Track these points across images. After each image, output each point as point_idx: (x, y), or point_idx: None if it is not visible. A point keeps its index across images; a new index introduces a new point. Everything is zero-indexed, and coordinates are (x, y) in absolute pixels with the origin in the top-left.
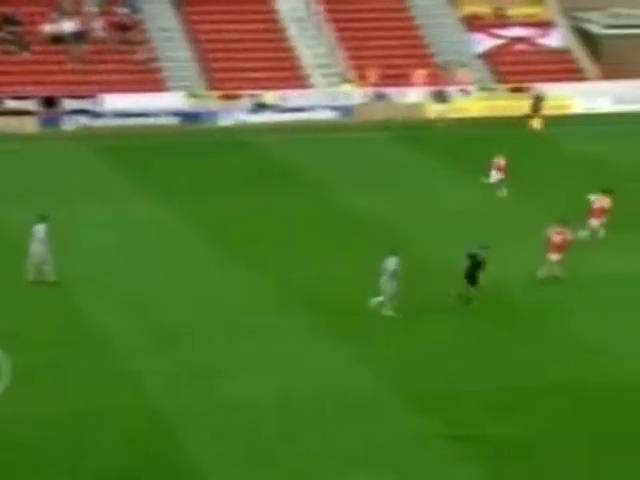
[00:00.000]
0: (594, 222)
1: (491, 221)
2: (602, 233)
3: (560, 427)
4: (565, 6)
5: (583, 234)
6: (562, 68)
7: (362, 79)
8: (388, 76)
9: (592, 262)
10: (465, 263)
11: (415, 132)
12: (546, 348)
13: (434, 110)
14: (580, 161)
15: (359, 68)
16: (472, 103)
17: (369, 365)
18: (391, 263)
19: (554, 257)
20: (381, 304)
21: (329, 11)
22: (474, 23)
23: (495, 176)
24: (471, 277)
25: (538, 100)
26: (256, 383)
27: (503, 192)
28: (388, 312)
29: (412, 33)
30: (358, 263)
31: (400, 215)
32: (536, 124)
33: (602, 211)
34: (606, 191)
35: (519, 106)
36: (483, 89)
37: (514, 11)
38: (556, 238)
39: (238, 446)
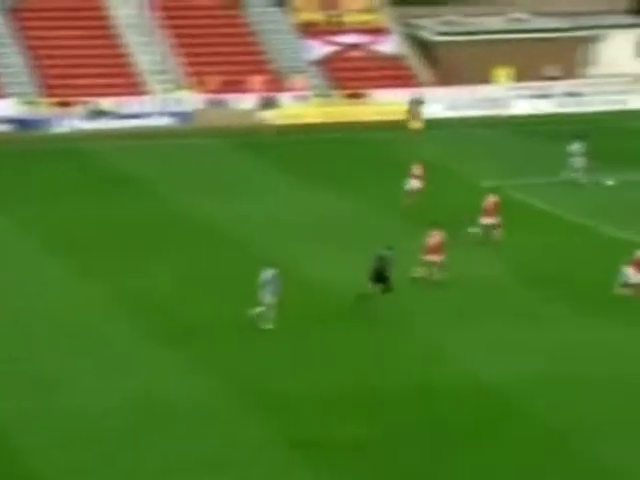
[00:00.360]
0: (485, 220)
1: (332, 227)
2: (496, 233)
3: (405, 430)
4: (399, 13)
5: (474, 230)
6: (397, 74)
7: (201, 85)
8: (226, 82)
9: (465, 263)
10: (373, 264)
11: (253, 139)
12: (400, 351)
13: (263, 117)
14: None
15: (197, 74)
16: (308, 109)
17: (206, 370)
18: (268, 275)
19: (431, 258)
20: (260, 316)
21: (164, 17)
22: (309, 30)
23: (413, 184)
24: (378, 277)
25: (416, 104)
26: (94, 390)
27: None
28: (267, 324)
29: (248, 40)
30: (193, 268)
31: (237, 221)
32: (415, 127)
33: (493, 209)
34: (494, 189)
35: (355, 112)
36: (319, 95)
37: (348, 18)
38: (430, 240)
39: (77, 453)
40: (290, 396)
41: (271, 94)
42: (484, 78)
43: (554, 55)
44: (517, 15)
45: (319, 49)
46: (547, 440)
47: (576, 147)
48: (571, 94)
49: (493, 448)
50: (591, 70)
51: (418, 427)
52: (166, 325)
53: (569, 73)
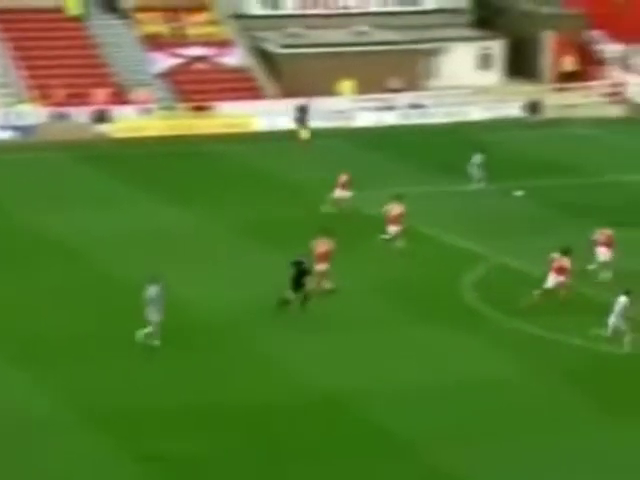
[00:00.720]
0: (392, 228)
1: (174, 239)
2: (400, 242)
3: (243, 445)
4: (243, 25)
5: (385, 237)
6: (242, 87)
7: (44, 98)
8: (70, 95)
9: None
10: (290, 271)
11: (94, 152)
12: (244, 366)
13: (101, 130)
14: (264, 177)
15: (40, 87)
16: (153, 122)
17: (49, 385)
18: (152, 291)
19: (319, 268)
20: (149, 335)
21: (3, 30)
22: (153, 42)
23: (340, 192)
24: (296, 284)
25: (302, 111)
26: None
27: (345, 208)
28: (155, 341)
29: (91, 52)
30: (36, 281)
31: (79, 234)
32: (303, 135)
33: (398, 217)
34: (399, 197)
35: (200, 125)
36: (163, 108)
37: (193, 30)
38: (320, 248)
39: None
40: (133, 411)
41: (106, 107)
42: (328, 90)
43: (397, 67)
44: (360, 28)
45: (163, 62)
46: (393, 449)
47: (476, 159)
48: (414, 106)
49: (338, 460)
50: (433, 82)
51: (258, 442)
52: (6, 339)
53: (412, 85)
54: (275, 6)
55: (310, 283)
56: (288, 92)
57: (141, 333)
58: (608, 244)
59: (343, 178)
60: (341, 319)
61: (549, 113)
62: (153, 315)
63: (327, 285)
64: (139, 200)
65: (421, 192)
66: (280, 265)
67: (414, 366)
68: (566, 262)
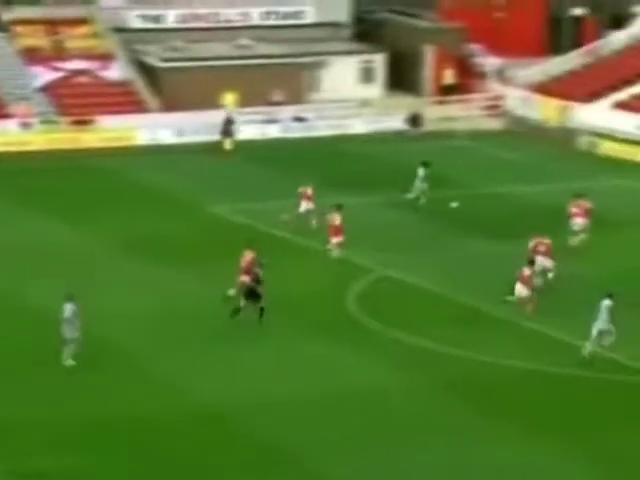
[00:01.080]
0: (334, 240)
1: (54, 254)
2: (340, 252)
3: (119, 460)
4: (124, 39)
5: (336, 253)
6: (124, 100)
7: None
8: None
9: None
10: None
11: None
12: (124, 381)
13: None
14: (146, 190)
15: None
16: (34, 137)
17: None
18: (67, 310)
19: (245, 279)
20: (67, 353)
21: None
22: (33, 56)
23: (305, 206)
24: (251, 294)
25: (228, 123)
26: None
27: (313, 223)
28: (69, 361)
29: None
30: None
31: None
32: (227, 146)
33: (337, 228)
34: (339, 207)
35: (81, 139)
36: (45, 122)
37: (73, 44)
38: (243, 260)
39: None
40: (8, 425)
41: None
42: (211, 104)
43: (280, 81)
44: (243, 41)
45: (44, 75)
46: (279, 463)
47: (421, 172)
48: (297, 119)
49: (223, 475)
50: (316, 96)
51: (142, 457)
52: None
53: (295, 98)
54: (156, 20)
55: (263, 292)
56: (170, 106)
57: (66, 358)
58: (546, 253)
59: (308, 191)
60: (228, 334)
61: (430, 126)
62: (67, 333)
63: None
64: (17, 215)
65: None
66: (164, 279)
67: (299, 379)
68: (528, 272)
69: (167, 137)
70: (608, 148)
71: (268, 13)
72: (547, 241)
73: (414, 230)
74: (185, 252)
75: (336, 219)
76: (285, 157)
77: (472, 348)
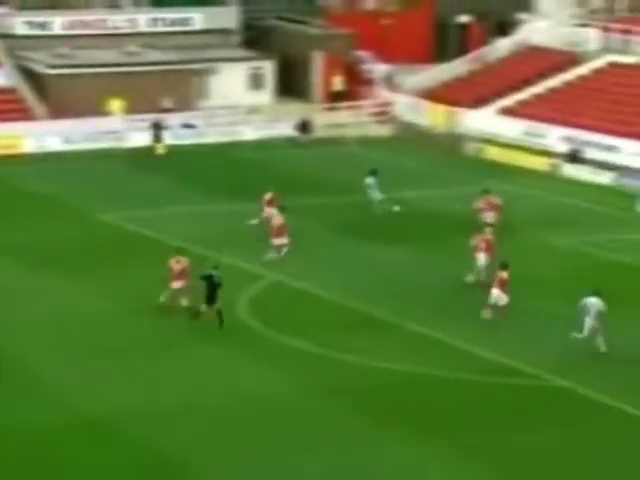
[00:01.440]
0: (276, 241)
1: None
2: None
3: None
4: (9, 45)
5: (271, 255)
6: (10, 107)
7: None
8: None
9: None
10: (201, 285)
11: None
12: (9, 387)
13: None
14: (34, 198)
15: None
16: None
17: None
18: None
19: (176, 285)
20: None
21: None
22: None
23: (268, 210)
24: (209, 298)
25: (157, 128)
26: None
27: (254, 222)
28: None
29: None
30: None
31: None
32: (159, 150)
33: (279, 229)
34: (281, 209)
35: None
36: None
37: None
38: (176, 267)
39: None
40: None
41: None
42: (99, 111)
43: (169, 87)
44: (130, 48)
45: None
46: (165, 470)
47: (370, 180)
48: (186, 126)
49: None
50: (205, 102)
51: (16, 463)
52: None
53: (184, 105)
54: (43, 27)
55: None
56: (57, 113)
57: None
58: (487, 249)
59: (268, 196)
60: (116, 341)
61: (319, 132)
62: None
63: (184, 302)
64: None
65: (193, 212)
66: (57, 288)
67: (186, 386)
68: (505, 275)
69: (55, 144)
70: (494, 153)
71: (155, 20)
72: (488, 237)
73: (305, 235)
74: (76, 260)
75: (278, 220)
76: (175, 164)
77: (362, 353)
